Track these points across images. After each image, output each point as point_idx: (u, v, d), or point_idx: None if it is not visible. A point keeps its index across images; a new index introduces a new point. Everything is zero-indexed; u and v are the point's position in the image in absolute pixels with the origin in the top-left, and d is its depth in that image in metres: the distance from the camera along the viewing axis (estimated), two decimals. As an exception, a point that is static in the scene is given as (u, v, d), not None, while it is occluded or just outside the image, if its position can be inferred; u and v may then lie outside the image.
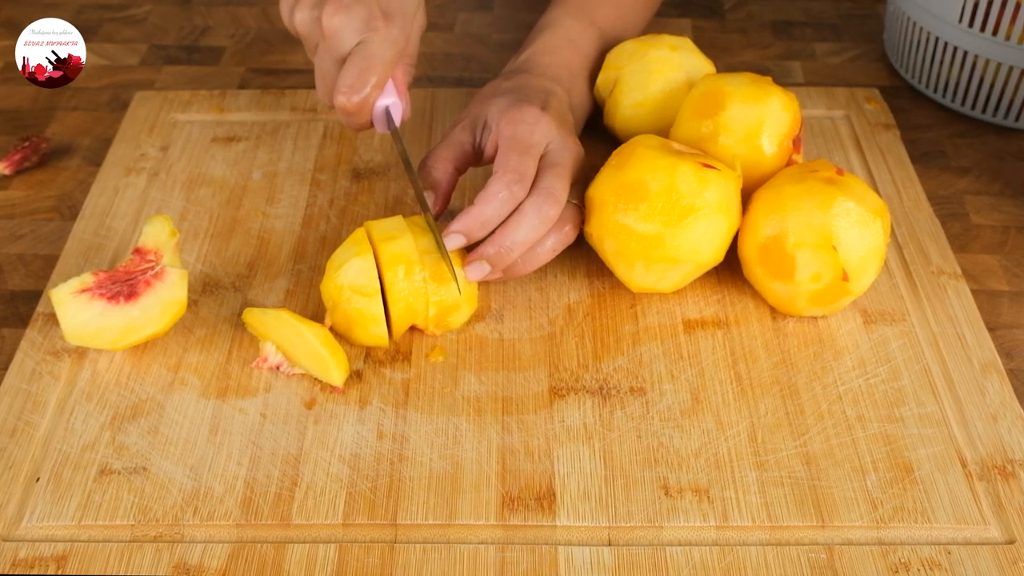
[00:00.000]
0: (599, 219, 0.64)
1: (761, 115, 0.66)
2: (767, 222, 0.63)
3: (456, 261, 0.63)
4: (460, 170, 0.67)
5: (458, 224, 0.61)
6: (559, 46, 0.74)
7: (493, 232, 0.62)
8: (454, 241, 0.62)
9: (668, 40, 0.74)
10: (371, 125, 0.66)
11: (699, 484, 0.57)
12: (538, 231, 0.62)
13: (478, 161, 0.68)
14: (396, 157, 0.79)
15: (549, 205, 0.62)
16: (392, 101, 0.65)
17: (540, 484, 0.57)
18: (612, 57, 0.75)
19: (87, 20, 0.97)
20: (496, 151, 0.65)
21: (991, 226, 0.75)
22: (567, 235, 0.65)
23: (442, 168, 0.66)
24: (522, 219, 0.62)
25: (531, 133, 0.64)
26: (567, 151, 0.65)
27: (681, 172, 0.62)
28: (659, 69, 0.73)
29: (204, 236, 0.72)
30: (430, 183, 0.65)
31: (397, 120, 0.66)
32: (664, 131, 0.71)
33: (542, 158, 0.64)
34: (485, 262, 0.62)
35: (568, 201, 0.65)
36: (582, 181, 0.67)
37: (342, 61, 0.63)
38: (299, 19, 0.64)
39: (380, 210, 0.74)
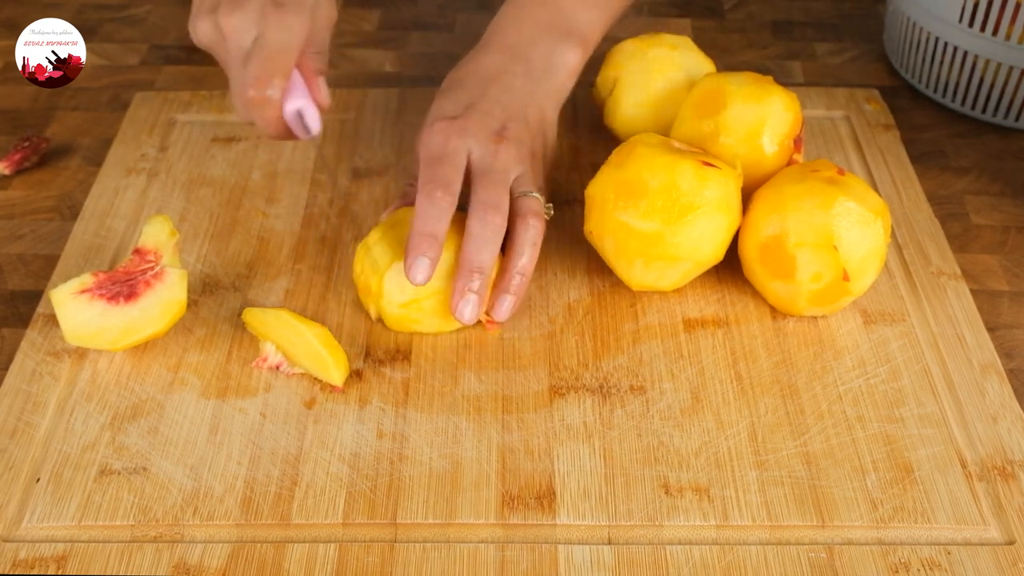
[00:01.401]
0: (599, 217, 0.64)
1: (762, 115, 0.66)
2: (768, 222, 0.63)
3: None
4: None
5: (410, 249, 0.60)
6: (525, 3, 0.72)
7: (457, 269, 0.62)
8: (422, 269, 0.60)
9: (668, 39, 0.74)
10: (288, 131, 0.65)
11: (699, 483, 0.57)
12: (493, 241, 0.62)
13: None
14: (396, 156, 0.78)
15: (490, 214, 0.62)
16: (303, 104, 0.63)
17: (540, 483, 0.57)
18: (612, 56, 0.75)
19: (87, 20, 0.97)
20: None
21: (991, 226, 0.75)
22: (535, 227, 0.64)
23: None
24: (472, 238, 0.62)
25: (443, 145, 0.64)
26: (491, 156, 0.64)
27: (681, 170, 0.62)
28: (659, 68, 0.73)
29: (204, 236, 0.72)
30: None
31: (312, 126, 0.64)
32: (664, 130, 0.71)
33: (469, 168, 0.64)
34: (473, 295, 0.62)
35: (525, 195, 0.64)
36: (537, 164, 0.67)
37: (248, 61, 0.63)
38: (201, 31, 0.64)
39: (380, 209, 0.74)
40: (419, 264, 0.60)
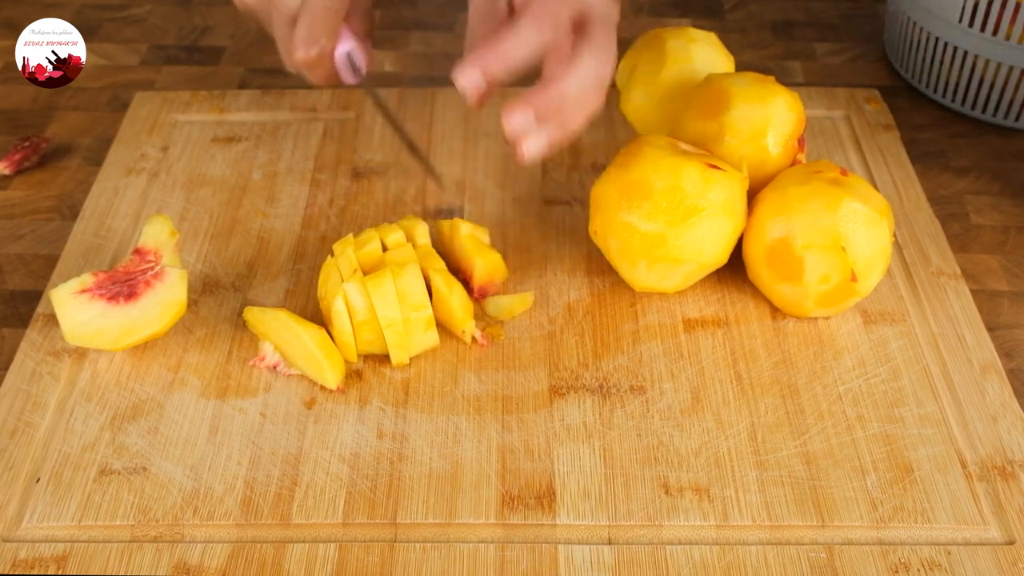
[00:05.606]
0: (604, 217, 0.64)
1: (766, 115, 0.66)
2: (773, 224, 0.63)
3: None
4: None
5: (475, 58, 0.54)
6: None
7: (541, 86, 0.56)
8: (469, 78, 0.54)
9: (692, 33, 0.74)
10: (339, 78, 0.65)
11: (699, 483, 0.57)
12: (589, 87, 0.56)
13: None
14: (396, 157, 0.78)
15: (605, 63, 0.56)
16: (351, 46, 0.64)
17: (540, 483, 0.57)
18: (635, 44, 0.75)
19: (87, 20, 0.97)
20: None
21: (991, 226, 0.75)
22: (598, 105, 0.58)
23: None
24: (578, 71, 0.55)
25: None
26: (609, 7, 0.59)
27: (686, 172, 0.62)
28: (674, 59, 0.72)
29: (204, 236, 0.72)
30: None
31: (361, 67, 0.65)
32: (672, 120, 0.71)
33: (585, 14, 0.58)
34: (531, 111, 0.55)
35: None
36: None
37: (294, 22, 0.62)
38: None
39: (380, 210, 0.74)
40: (471, 76, 0.54)
